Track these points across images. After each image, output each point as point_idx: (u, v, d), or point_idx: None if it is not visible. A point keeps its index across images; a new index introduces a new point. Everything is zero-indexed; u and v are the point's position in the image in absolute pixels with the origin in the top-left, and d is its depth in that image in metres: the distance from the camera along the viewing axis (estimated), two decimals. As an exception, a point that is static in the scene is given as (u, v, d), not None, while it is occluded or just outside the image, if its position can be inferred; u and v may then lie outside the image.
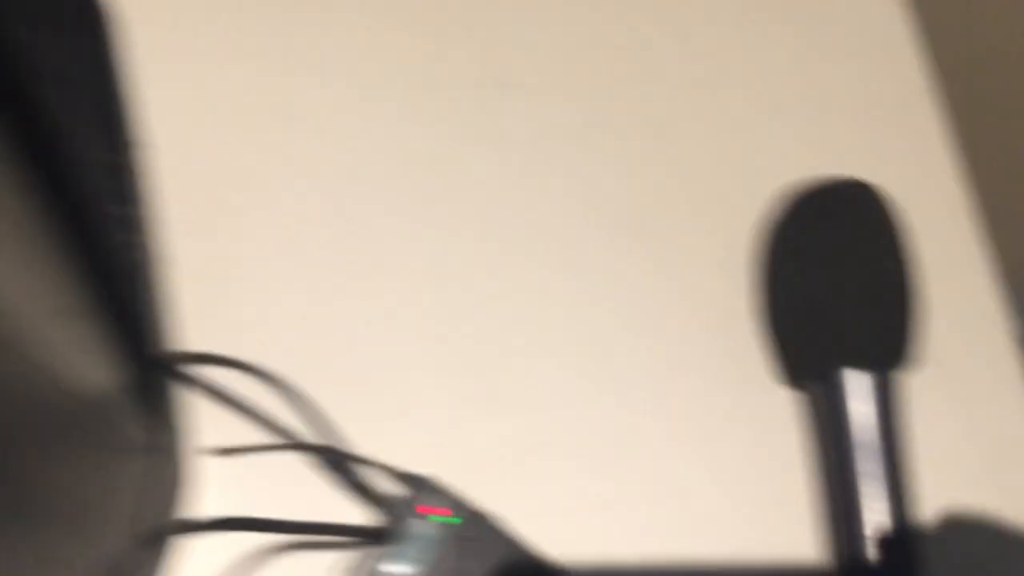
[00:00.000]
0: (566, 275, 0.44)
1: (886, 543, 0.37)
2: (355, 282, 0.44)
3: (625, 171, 0.46)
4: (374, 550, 0.38)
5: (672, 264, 0.45)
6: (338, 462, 0.39)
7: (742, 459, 0.42)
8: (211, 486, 0.40)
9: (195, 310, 0.43)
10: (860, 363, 0.38)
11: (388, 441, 0.41)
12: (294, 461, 0.41)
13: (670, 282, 0.44)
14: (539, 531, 0.40)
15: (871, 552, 0.37)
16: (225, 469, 0.40)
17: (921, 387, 0.43)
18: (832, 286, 0.40)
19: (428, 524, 0.38)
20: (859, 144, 0.47)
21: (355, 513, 0.39)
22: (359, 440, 0.41)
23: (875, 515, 0.37)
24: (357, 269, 0.44)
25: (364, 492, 0.39)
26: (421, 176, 0.46)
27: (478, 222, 0.45)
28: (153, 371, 0.38)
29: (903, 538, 0.37)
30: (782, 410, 0.42)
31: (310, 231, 0.45)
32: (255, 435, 0.41)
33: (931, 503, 0.41)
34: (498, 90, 0.48)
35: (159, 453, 0.38)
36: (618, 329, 0.44)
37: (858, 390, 0.38)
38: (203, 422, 0.41)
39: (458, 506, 0.39)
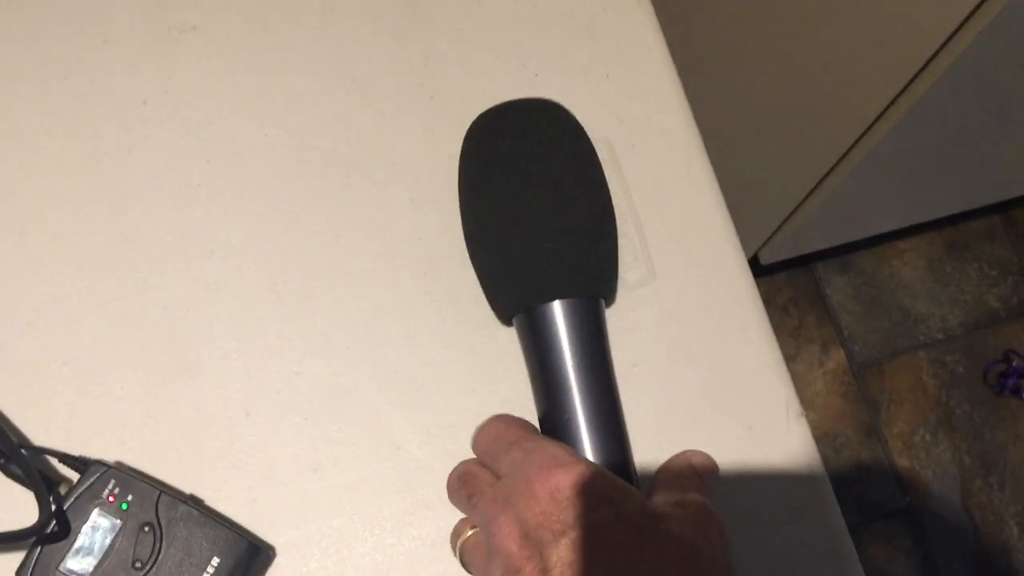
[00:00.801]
0: (263, 225, 0.41)
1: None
2: (21, 260, 0.40)
3: (319, 110, 0.43)
4: (53, 547, 0.35)
5: (377, 206, 0.42)
6: (7, 455, 0.36)
7: (463, 407, 0.39)
8: None
9: None
10: (548, 295, 0.36)
11: (76, 430, 0.38)
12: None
13: (376, 225, 0.42)
14: (249, 505, 0.38)
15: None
16: None
17: (645, 302, 0.41)
18: (514, 219, 0.37)
19: (110, 512, 0.35)
20: (570, 65, 0.45)
21: (31, 509, 0.36)
22: (39, 433, 0.38)
23: (582, 444, 0.36)
24: (24, 243, 0.40)
25: (40, 485, 0.36)
26: (100, 129, 0.42)
27: (162, 175, 0.41)
28: None
29: (613, 465, 0.36)
30: (503, 348, 0.40)
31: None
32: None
33: (652, 417, 0.39)
34: (183, 35, 0.44)
35: None
36: (323, 279, 0.41)
37: (549, 324, 0.36)
38: None
39: (149, 490, 0.36)
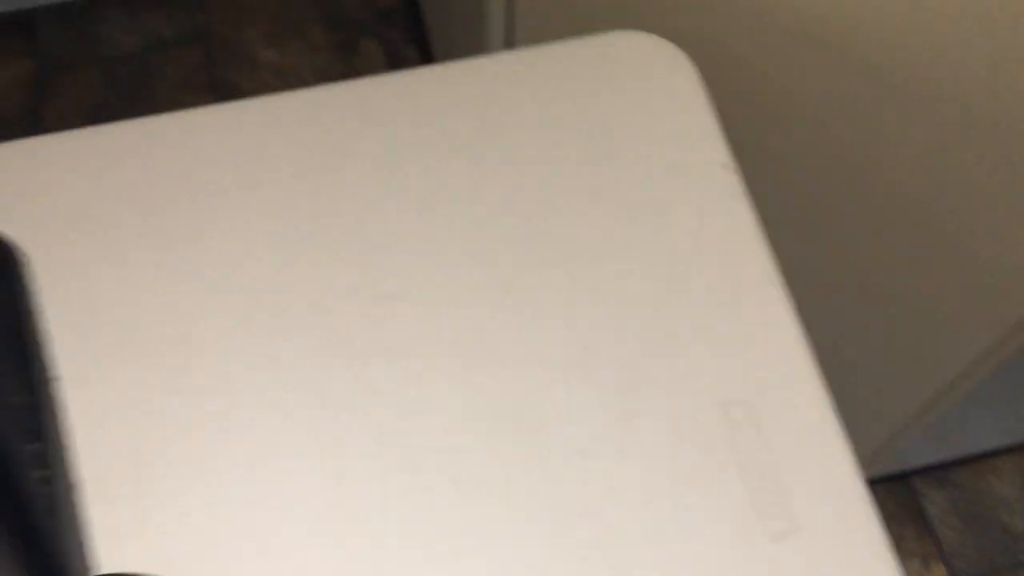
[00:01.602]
0: (450, 486, 0.48)
1: None
2: (248, 489, 0.47)
3: (506, 375, 0.51)
4: None
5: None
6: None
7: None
8: None
9: (107, 530, 0.46)
10: None
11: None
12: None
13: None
14: None
15: None
16: None
17: (789, 554, 0.46)
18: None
19: None
20: (705, 330, 0.52)
21: None
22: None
23: None
24: (249, 480, 0.47)
25: None
26: (324, 393, 0.50)
27: (369, 431, 0.49)
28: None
29: None
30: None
31: (207, 449, 0.48)
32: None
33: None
34: (382, 302, 0.52)
35: None
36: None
37: None
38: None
39: None
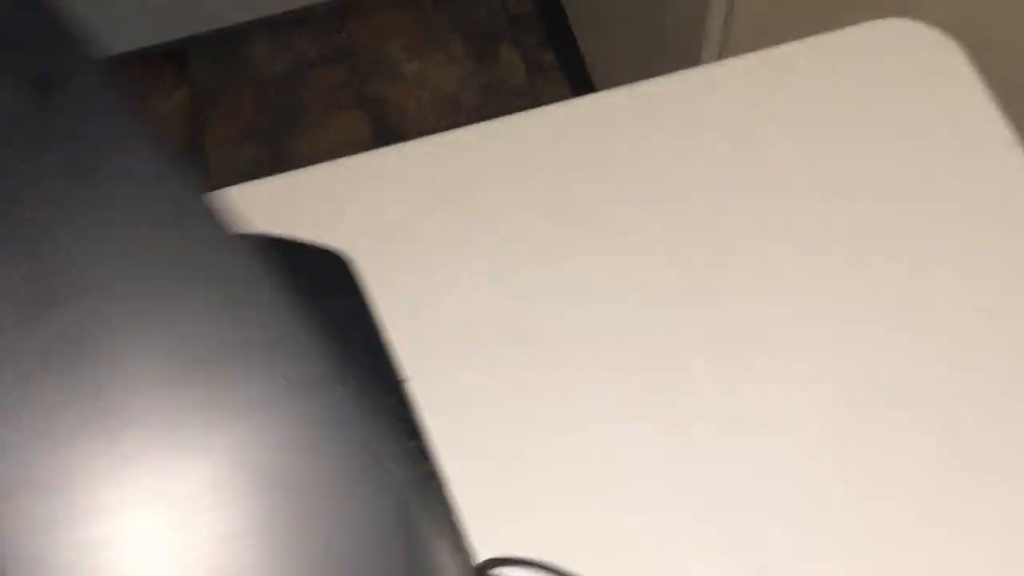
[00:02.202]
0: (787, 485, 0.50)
1: None
2: (621, 490, 0.50)
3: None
4: None
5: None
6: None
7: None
8: None
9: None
10: None
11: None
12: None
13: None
14: None
15: None
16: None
17: None
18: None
19: None
20: None
21: None
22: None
23: None
24: (620, 476, 0.50)
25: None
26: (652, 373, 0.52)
27: (715, 431, 0.51)
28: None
29: None
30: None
31: (564, 448, 0.51)
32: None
33: None
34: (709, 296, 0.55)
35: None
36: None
37: None
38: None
39: None
